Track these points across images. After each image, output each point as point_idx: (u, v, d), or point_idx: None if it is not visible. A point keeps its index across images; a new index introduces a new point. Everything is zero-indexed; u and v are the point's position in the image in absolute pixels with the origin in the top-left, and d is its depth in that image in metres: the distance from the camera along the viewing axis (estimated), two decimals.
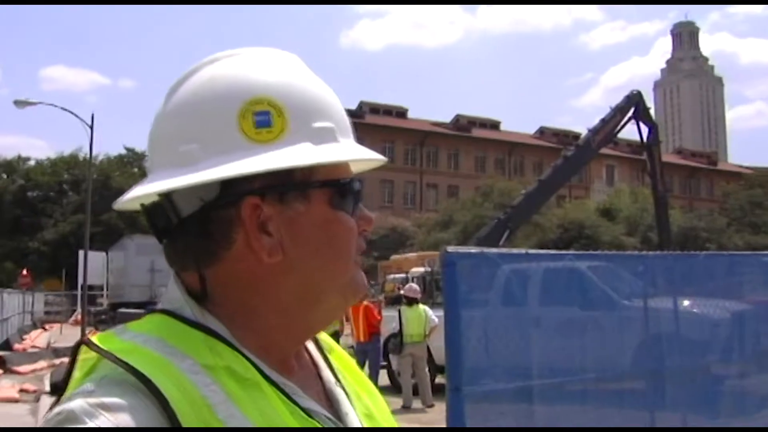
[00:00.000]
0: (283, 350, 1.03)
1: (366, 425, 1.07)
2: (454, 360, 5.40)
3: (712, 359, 7.48)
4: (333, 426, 1.00)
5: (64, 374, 0.95)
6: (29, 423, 11.67)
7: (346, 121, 1.06)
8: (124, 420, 0.82)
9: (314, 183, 0.99)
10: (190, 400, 0.86)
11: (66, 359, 14.45)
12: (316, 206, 1.00)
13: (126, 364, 0.86)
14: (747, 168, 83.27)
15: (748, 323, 7.68)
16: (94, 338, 0.93)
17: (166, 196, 0.99)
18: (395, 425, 1.16)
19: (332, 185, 1.01)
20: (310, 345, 1.14)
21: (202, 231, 0.98)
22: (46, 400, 13.19)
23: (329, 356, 1.16)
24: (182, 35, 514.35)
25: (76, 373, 0.93)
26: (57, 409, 0.86)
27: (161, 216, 1.01)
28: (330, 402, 1.06)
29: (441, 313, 6.72)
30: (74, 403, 0.84)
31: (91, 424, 0.81)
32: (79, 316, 32.95)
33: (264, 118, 0.97)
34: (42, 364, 18.73)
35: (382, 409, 1.15)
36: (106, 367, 0.89)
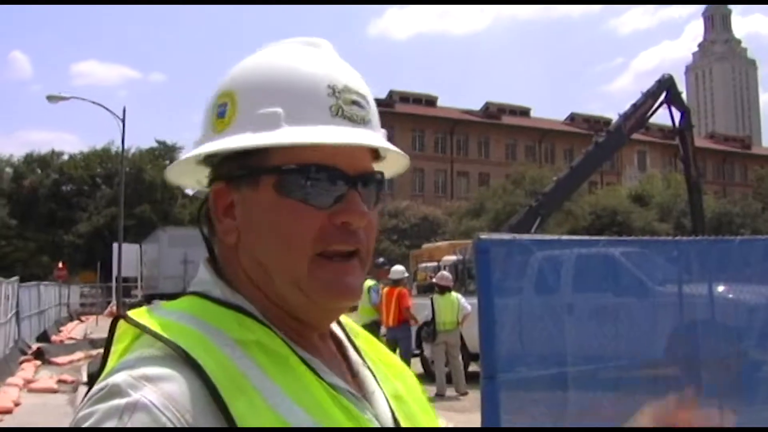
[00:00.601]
0: (300, 327, 1.05)
1: (394, 406, 1.09)
2: (488, 348, 5.39)
3: (748, 345, 7.40)
4: (356, 402, 1.02)
5: (103, 349, 1.00)
6: (68, 413, 11.81)
7: (313, 106, 1.01)
8: (168, 389, 0.86)
9: (263, 169, 1.02)
10: (225, 372, 0.89)
11: (102, 350, 14.67)
12: (263, 192, 1.02)
13: (165, 338, 0.91)
14: None
15: None
16: (131, 314, 0.97)
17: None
18: (428, 408, 1.17)
19: (276, 171, 1.01)
20: (337, 328, 1.17)
21: (205, 212, 1.11)
22: (84, 391, 13.33)
23: (355, 340, 1.18)
24: (211, 29, 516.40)
25: (116, 347, 0.98)
26: (101, 384, 0.89)
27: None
28: (356, 381, 1.09)
29: (473, 300, 6.72)
30: (118, 376, 0.88)
31: (135, 395, 0.85)
32: (114, 308, 33.37)
33: (222, 109, 1.06)
34: (79, 355, 18.96)
35: (413, 392, 1.16)
36: (145, 341, 0.93)
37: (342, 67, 1.07)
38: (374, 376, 1.12)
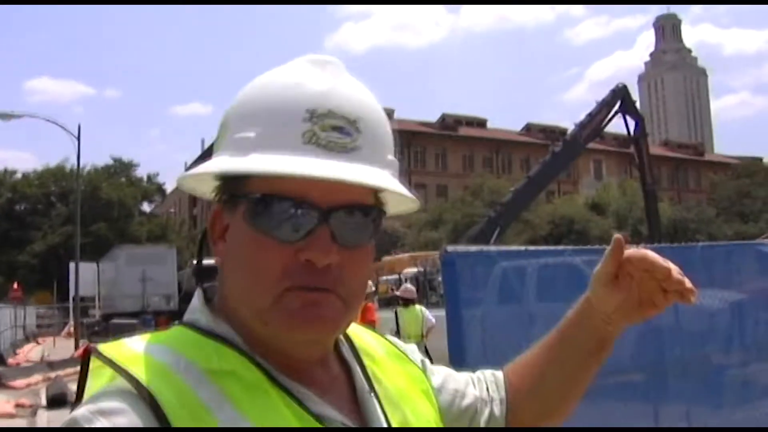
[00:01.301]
0: (293, 354, 1.01)
1: None
2: (457, 360, 5.37)
3: (712, 350, 7.49)
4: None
5: (78, 383, 1.01)
6: None
7: (297, 131, 0.95)
8: (119, 422, 0.87)
9: (238, 195, 0.99)
10: (187, 404, 0.89)
11: (60, 372, 14.43)
12: (237, 219, 1.00)
13: (125, 371, 0.91)
14: (734, 158, 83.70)
15: (747, 312, 7.68)
16: (103, 347, 0.97)
17: None
18: None
19: (245, 199, 0.98)
20: (346, 352, 1.13)
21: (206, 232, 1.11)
22: (43, 414, 13.14)
23: (368, 363, 1.13)
24: (166, 42, 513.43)
25: (92, 381, 0.98)
26: (68, 417, 0.91)
27: None
28: (360, 410, 1.05)
29: (438, 312, 6.72)
30: (78, 411, 0.89)
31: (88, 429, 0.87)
32: (72, 329, 32.90)
33: (219, 131, 1.05)
34: (37, 377, 18.61)
35: (424, 419, 1.12)
36: (115, 376, 0.94)
37: (340, 90, 0.99)
38: (380, 403, 1.07)
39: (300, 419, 0.94)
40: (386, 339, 1.24)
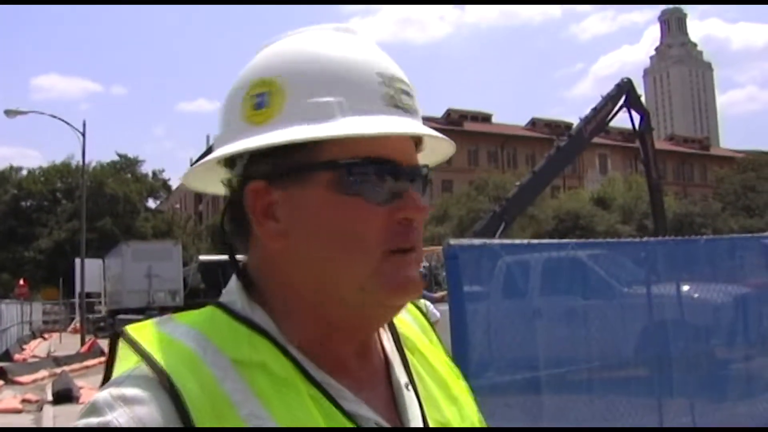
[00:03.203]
0: (334, 346, 0.97)
1: None
2: (460, 354, 5.37)
3: (716, 344, 7.48)
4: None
5: (105, 365, 0.97)
6: None
7: (371, 95, 0.95)
8: (140, 413, 0.84)
9: (315, 164, 0.93)
10: (210, 396, 0.86)
11: (66, 368, 14.42)
12: (316, 189, 0.94)
13: (150, 358, 0.88)
14: (739, 152, 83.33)
15: (751, 306, 7.67)
16: (131, 329, 0.93)
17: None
18: None
19: (333, 167, 0.93)
20: (387, 342, 1.07)
21: (230, 216, 1.01)
22: (49, 410, 13.16)
23: (409, 355, 1.08)
24: (173, 39, 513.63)
25: (120, 363, 0.94)
26: (91, 398, 0.89)
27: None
28: (396, 406, 1.01)
29: (442, 307, 6.70)
30: (101, 394, 0.88)
31: (108, 416, 0.84)
32: (78, 324, 32.95)
33: (261, 99, 0.96)
34: (43, 373, 18.64)
35: (468, 420, 1.07)
36: (142, 359, 0.90)
37: (385, 55, 1.00)
38: (419, 399, 1.03)
39: (328, 418, 0.90)
40: (424, 314, 1.19)
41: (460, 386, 1.11)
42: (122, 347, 0.94)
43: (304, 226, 0.94)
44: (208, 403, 0.85)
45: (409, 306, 1.15)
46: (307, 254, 0.94)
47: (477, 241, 6.51)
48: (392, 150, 0.95)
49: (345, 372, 0.97)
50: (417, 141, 1.02)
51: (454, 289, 5.50)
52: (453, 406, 1.06)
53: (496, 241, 6.78)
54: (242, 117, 0.97)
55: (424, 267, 20.81)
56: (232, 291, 0.99)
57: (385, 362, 1.05)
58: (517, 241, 7.64)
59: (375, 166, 0.94)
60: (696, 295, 7.42)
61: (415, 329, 1.14)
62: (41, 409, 13.54)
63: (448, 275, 5.65)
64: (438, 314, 12.58)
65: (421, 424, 0.99)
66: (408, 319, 1.14)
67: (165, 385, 0.85)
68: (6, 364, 19.70)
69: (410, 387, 1.03)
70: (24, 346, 28.76)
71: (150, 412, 0.84)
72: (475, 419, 1.09)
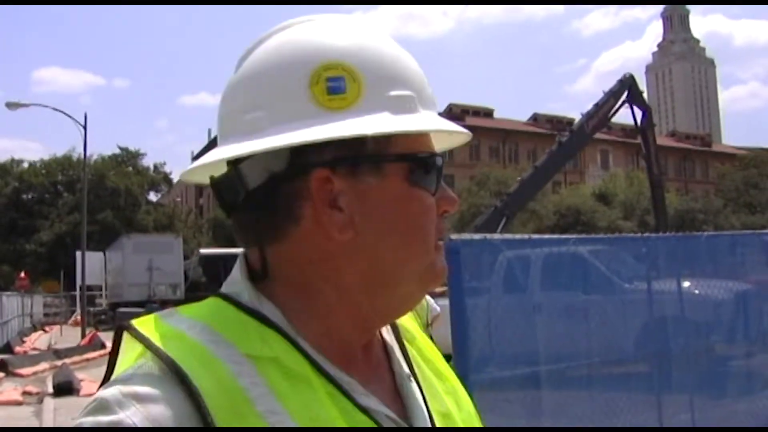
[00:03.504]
0: (347, 339, 0.96)
1: (440, 425, 1.00)
2: (460, 348, 5.38)
3: (716, 340, 7.48)
4: (393, 426, 0.92)
5: (108, 360, 0.93)
6: (34, 425, 11.66)
7: (428, 91, 0.98)
8: (154, 412, 0.80)
9: (390, 156, 0.92)
10: (227, 392, 0.82)
11: (67, 360, 14.41)
12: (392, 181, 0.92)
13: (163, 353, 0.84)
14: (741, 149, 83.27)
15: (752, 303, 7.68)
16: (137, 322, 0.90)
17: (235, 168, 0.93)
18: (478, 427, 1.08)
19: (410, 159, 0.93)
20: (387, 333, 1.06)
21: (268, 204, 0.93)
22: (50, 402, 13.19)
23: (408, 346, 1.07)
24: (176, 32, 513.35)
25: (124, 358, 0.90)
26: (95, 395, 0.84)
27: (229, 189, 0.94)
28: (401, 397, 0.99)
29: (442, 302, 6.70)
30: (109, 390, 0.82)
31: (120, 414, 0.80)
32: (79, 317, 32.98)
33: (338, 84, 0.91)
34: (43, 365, 18.69)
35: (465, 410, 1.07)
36: (148, 354, 0.86)
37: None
38: (421, 390, 1.02)
39: (344, 413, 0.88)
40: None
41: (453, 376, 1.11)
42: (127, 342, 0.90)
43: (375, 218, 0.92)
44: (227, 400, 0.82)
45: None
46: (374, 246, 0.92)
47: (478, 236, 6.49)
48: (432, 146, 0.98)
49: (353, 365, 0.95)
50: None
51: (455, 283, 5.50)
52: (450, 395, 1.06)
53: (497, 236, 6.78)
54: (311, 100, 0.91)
55: None
56: (237, 282, 0.96)
57: (386, 353, 1.04)
58: (518, 236, 7.64)
59: (437, 160, 0.96)
60: (696, 292, 7.42)
61: (412, 320, 1.13)
62: (42, 401, 13.55)
63: (449, 270, 5.64)
64: (438, 309, 12.65)
65: (425, 415, 0.98)
66: None
67: (180, 381, 0.82)
68: (7, 357, 19.74)
69: (412, 378, 1.02)
70: (25, 339, 28.77)
71: (165, 410, 0.80)
72: (471, 409, 1.09)
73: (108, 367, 0.92)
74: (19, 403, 13.54)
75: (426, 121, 0.93)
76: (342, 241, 0.91)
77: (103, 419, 0.80)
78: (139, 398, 0.81)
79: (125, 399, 0.81)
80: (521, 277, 6.35)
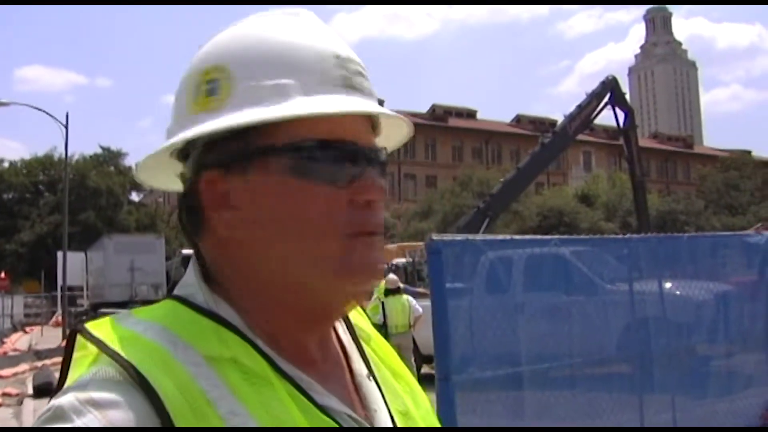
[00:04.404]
0: (297, 338, 0.95)
1: (400, 424, 0.99)
2: (442, 349, 5.37)
3: (697, 340, 7.52)
4: (354, 425, 0.92)
5: (61, 365, 0.91)
6: (13, 426, 11.57)
7: (335, 74, 0.92)
8: (114, 417, 0.78)
9: (271, 149, 0.90)
10: (187, 395, 0.81)
11: (47, 361, 14.30)
12: (276, 175, 0.90)
13: (120, 357, 0.82)
14: (722, 151, 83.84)
15: (732, 304, 7.72)
16: (90, 325, 0.88)
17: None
18: (436, 425, 1.07)
19: (290, 150, 0.89)
20: (343, 333, 1.06)
21: (185, 206, 0.97)
22: (29, 403, 13.10)
23: (366, 346, 1.07)
24: (159, 33, 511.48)
25: (76, 364, 0.88)
26: (49, 404, 0.82)
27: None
28: (360, 397, 0.99)
29: (425, 303, 6.70)
30: (65, 398, 0.80)
31: (78, 422, 0.77)
32: (60, 318, 32.77)
33: (213, 86, 0.93)
34: (24, 366, 18.56)
35: (422, 408, 1.06)
36: (104, 358, 0.84)
37: (338, 37, 0.97)
38: (380, 389, 1.02)
39: (305, 412, 0.87)
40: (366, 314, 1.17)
41: (409, 374, 1.11)
42: (81, 346, 0.88)
43: (264, 213, 0.91)
44: (186, 402, 0.81)
45: None
46: (269, 242, 0.91)
47: (460, 237, 6.49)
48: (349, 132, 0.92)
49: (311, 364, 0.94)
50: (374, 124, 0.98)
51: (437, 284, 5.49)
52: (408, 394, 1.05)
53: (479, 236, 6.78)
54: (195, 105, 0.94)
55: (407, 262, 20.81)
56: (190, 284, 0.96)
57: (343, 353, 1.03)
58: (500, 237, 7.65)
59: (333, 148, 0.91)
60: (678, 292, 7.45)
61: (365, 319, 1.13)
62: (21, 402, 13.47)
63: (431, 270, 5.63)
64: (420, 310, 12.65)
65: (385, 414, 0.98)
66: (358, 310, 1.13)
67: (139, 385, 0.80)
68: None
69: (371, 377, 1.02)
70: (5, 340, 28.56)
71: (125, 415, 0.78)
72: (428, 406, 1.08)
73: (61, 373, 0.90)
74: None
75: (295, 107, 0.88)
76: (237, 239, 0.92)
77: (61, 427, 0.78)
78: (96, 404, 0.79)
79: (82, 406, 0.79)
80: (503, 277, 6.35)
